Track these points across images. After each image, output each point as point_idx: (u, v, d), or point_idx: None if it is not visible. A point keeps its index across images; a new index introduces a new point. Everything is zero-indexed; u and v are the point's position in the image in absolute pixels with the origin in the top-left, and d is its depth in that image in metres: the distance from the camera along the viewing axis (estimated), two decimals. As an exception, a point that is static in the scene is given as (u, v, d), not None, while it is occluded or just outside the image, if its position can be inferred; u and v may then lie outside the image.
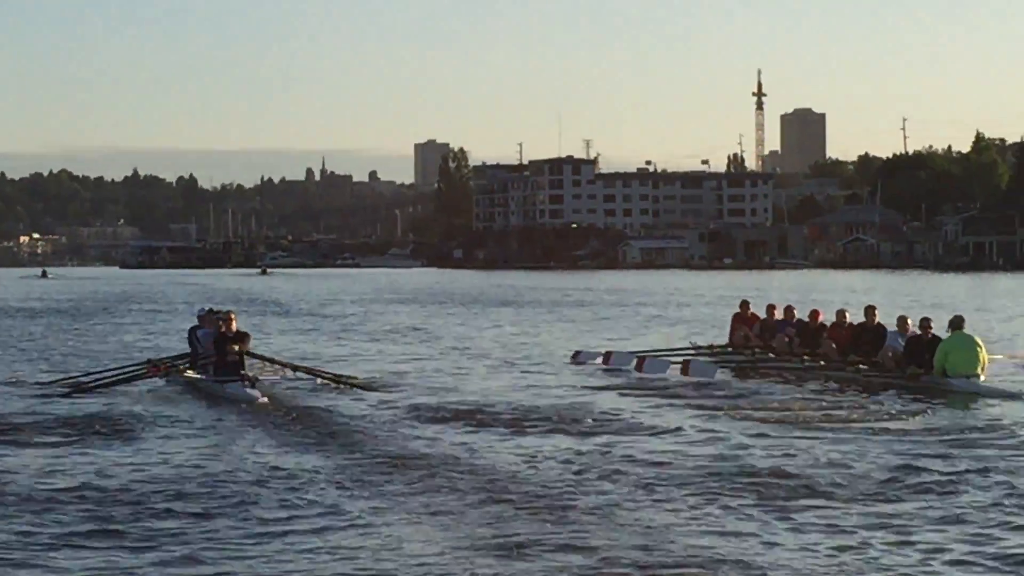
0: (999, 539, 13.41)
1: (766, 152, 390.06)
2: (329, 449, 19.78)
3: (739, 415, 22.91)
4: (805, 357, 30.61)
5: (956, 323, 26.58)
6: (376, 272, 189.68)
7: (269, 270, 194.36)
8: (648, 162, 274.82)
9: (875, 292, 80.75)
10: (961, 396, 25.09)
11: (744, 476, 16.75)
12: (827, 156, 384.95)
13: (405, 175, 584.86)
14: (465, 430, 21.50)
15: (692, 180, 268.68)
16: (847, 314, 30.81)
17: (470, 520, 14.40)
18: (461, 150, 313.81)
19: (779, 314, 33.39)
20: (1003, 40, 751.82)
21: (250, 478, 17.13)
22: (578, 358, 34.39)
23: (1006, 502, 15.11)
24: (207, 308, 31.55)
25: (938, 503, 15.10)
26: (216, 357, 27.30)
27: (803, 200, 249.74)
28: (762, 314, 34.13)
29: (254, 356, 28.14)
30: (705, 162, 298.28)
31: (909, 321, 28.37)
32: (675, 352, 33.84)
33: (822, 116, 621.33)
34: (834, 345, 30.07)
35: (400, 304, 77.56)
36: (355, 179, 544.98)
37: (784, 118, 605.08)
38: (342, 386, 28.25)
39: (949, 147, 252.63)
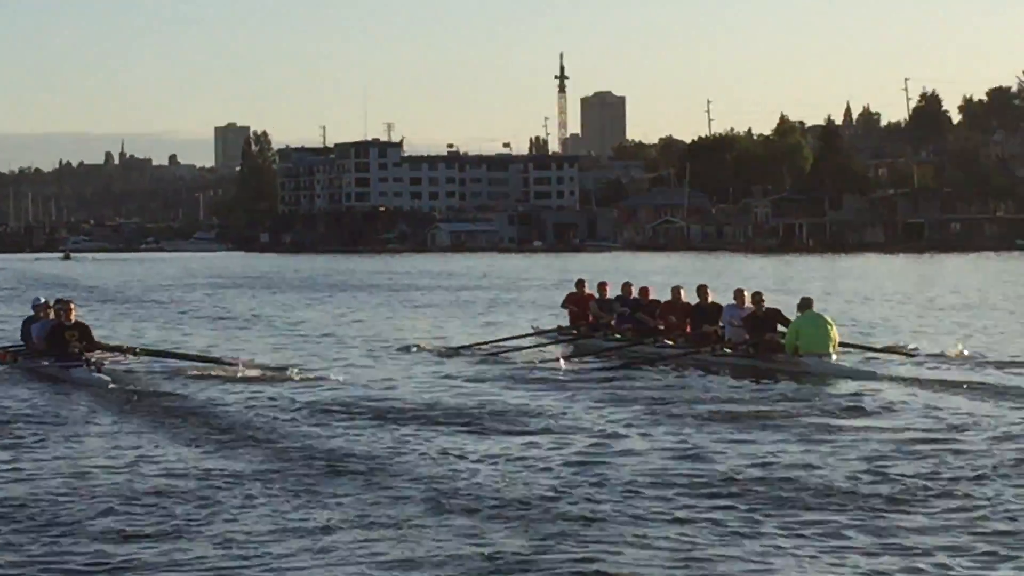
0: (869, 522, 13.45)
1: (567, 135, 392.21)
2: (195, 433, 19.52)
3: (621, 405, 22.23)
4: (654, 338, 30.25)
5: (805, 304, 26.81)
6: (184, 256, 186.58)
7: (73, 255, 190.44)
8: (450, 145, 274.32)
9: (687, 273, 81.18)
10: (815, 376, 25.41)
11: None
12: (628, 139, 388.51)
13: (205, 159, 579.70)
14: (364, 424, 20.52)
15: (498, 163, 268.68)
16: (682, 292, 30.76)
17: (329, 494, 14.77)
18: (264, 133, 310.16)
19: (612, 292, 33.17)
20: (804, 24, 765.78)
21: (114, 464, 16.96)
22: (449, 349, 32.76)
23: (873, 476, 15.55)
24: (41, 300, 30.12)
25: (809, 483, 15.20)
26: (55, 348, 26.68)
27: (609, 183, 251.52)
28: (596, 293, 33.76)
29: (98, 347, 27.31)
30: (507, 145, 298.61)
31: (746, 294, 28.63)
32: (518, 338, 33.81)
33: (622, 99, 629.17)
34: (674, 320, 30.07)
35: (229, 289, 76.38)
36: (155, 163, 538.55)
37: (585, 101, 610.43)
38: (202, 364, 27.77)
39: (749, 130, 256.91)
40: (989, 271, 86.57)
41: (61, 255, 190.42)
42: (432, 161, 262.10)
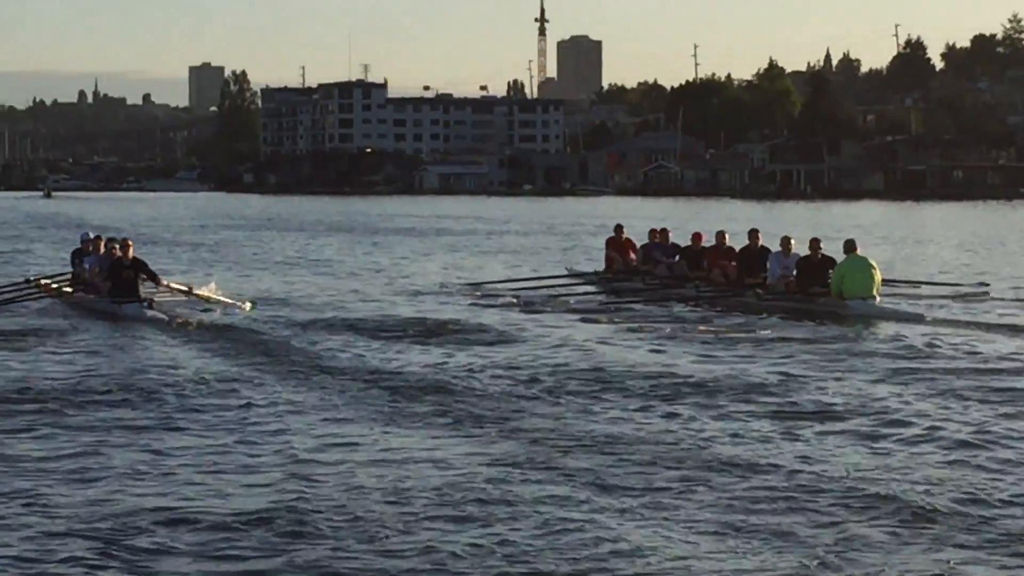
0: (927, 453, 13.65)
1: (543, 79, 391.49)
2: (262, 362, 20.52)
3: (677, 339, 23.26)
4: (697, 282, 29.95)
5: (850, 246, 26.88)
6: (170, 196, 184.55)
7: (53, 193, 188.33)
8: (426, 87, 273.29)
9: (683, 219, 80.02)
10: (859, 318, 25.51)
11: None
12: (603, 83, 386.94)
13: (179, 98, 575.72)
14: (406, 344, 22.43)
15: (483, 106, 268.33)
16: (727, 236, 30.67)
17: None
18: (243, 73, 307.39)
19: (654, 238, 32.89)
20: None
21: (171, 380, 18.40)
22: (481, 290, 32.55)
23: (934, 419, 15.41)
24: (90, 234, 30.94)
25: (864, 423, 15.28)
26: (110, 282, 27.07)
27: (595, 127, 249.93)
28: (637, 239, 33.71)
29: (158, 284, 27.85)
30: (484, 88, 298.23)
31: (793, 242, 28.42)
32: (553, 278, 33.80)
33: (598, 43, 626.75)
34: (723, 264, 29.92)
35: (241, 231, 75.10)
36: (129, 102, 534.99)
37: (560, 45, 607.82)
38: (240, 306, 27.51)
39: (729, 75, 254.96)
40: (1012, 220, 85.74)
41: (42, 193, 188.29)
42: (417, 103, 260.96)
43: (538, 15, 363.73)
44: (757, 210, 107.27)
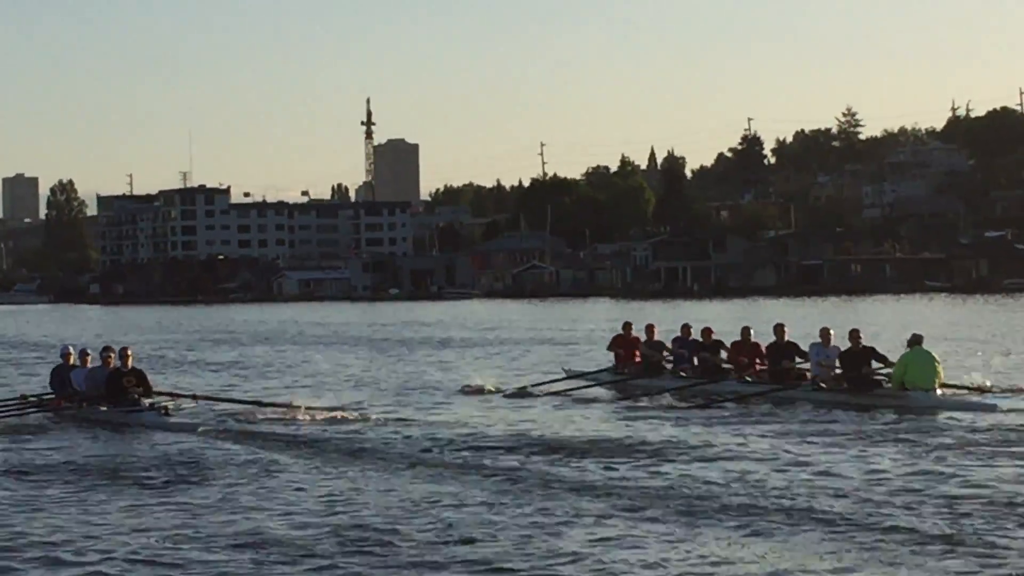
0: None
1: (359, 183, 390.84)
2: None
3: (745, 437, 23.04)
4: (748, 376, 30.04)
5: (916, 340, 27.49)
6: (12, 309, 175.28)
7: None
8: (247, 194, 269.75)
9: (613, 319, 77.44)
10: (922, 409, 25.98)
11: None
12: (420, 187, 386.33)
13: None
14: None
15: (328, 209, 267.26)
16: (751, 332, 30.84)
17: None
18: (70, 182, 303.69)
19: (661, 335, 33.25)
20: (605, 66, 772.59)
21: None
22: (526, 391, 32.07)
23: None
24: (69, 347, 29.53)
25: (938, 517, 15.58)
26: (113, 394, 26.60)
27: (443, 229, 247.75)
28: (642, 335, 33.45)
29: (158, 393, 27.60)
30: (305, 193, 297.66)
31: (832, 333, 28.83)
32: (558, 380, 33.61)
33: (415, 146, 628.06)
34: (745, 360, 30.17)
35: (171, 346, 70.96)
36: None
37: (377, 149, 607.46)
38: (261, 408, 27.84)
39: (556, 174, 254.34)
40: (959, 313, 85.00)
41: None
42: (261, 208, 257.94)
43: (364, 118, 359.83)
44: (672, 308, 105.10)
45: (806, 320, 65.34)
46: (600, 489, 17.98)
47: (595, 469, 19.81)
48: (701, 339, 31.69)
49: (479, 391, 32.48)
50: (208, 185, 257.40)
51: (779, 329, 29.80)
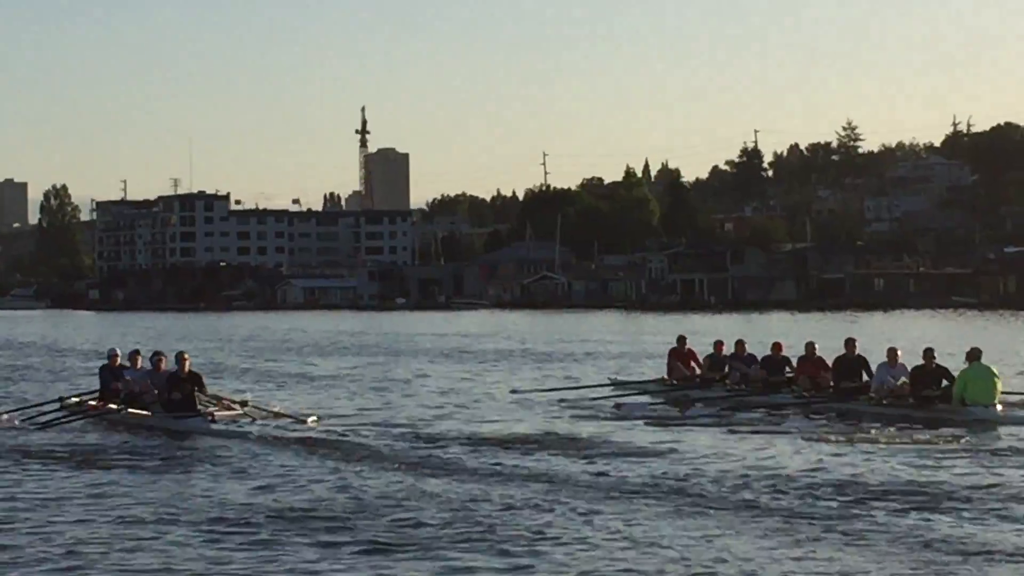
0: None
1: (350, 192, 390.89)
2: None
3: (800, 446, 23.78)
4: (796, 387, 30.78)
5: (974, 354, 27.64)
6: (17, 315, 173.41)
7: None
8: (238, 201, 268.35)
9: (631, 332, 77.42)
10: (982, 423, 26.25)
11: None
12: (411, 195, 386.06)
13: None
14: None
15: (328, 217, 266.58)
16: (816, 347, 31.32)
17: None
18: (64, 187, 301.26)
19: (726, 349, 33.64)
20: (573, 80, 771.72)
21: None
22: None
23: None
24: (117, 349, 29.85)
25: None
26: (163, 396, 26.80)
27: (444, 239, 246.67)
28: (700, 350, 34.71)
29: (212, 398, 27.92)
30: (296, 201, 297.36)
31: (899, 352, 29.22)
32: (602, 387, 35.02)
33: (405, 156, 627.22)
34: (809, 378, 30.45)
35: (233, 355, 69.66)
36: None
37: (368, 158, 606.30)
38: (298, 422, 27.47)
39: (582, 183, 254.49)
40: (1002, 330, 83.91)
41: None
42: (261, 215, 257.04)
43: (358, 127, 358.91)
44: (705, 321, 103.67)
45: (842, 337, 63.96)
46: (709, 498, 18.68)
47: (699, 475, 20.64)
48: (770, 353, 32.18)
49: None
50: (202, 191, 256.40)
51: (850, 343, 30.24)
